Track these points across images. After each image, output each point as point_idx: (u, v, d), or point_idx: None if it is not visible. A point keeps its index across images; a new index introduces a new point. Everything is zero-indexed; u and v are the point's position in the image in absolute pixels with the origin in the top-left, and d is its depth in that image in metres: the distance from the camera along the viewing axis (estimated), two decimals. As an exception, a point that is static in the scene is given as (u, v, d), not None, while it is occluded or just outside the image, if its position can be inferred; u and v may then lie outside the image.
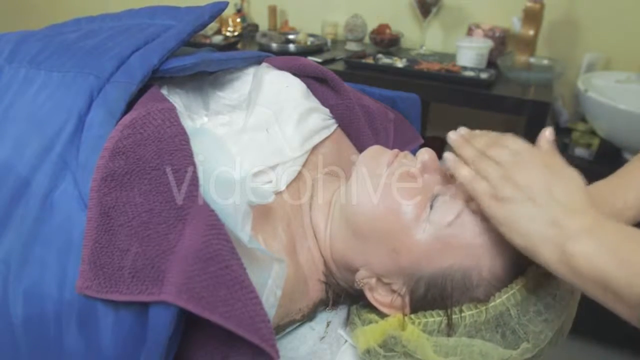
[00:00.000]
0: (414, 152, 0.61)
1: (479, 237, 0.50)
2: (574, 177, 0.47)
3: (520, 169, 0.47)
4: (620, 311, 0.41)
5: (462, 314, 0.51)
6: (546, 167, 0.47)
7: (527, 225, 0.45)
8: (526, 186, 0.45)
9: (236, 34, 1.88)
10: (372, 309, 0.58)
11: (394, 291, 0.56)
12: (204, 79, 0.68)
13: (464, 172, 0.49)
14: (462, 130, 0.54)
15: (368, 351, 0.55)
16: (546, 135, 0.52)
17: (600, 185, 0.59)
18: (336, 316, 0.63)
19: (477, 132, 0.54)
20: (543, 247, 0.44)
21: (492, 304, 0.50)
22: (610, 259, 0.40)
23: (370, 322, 0.56)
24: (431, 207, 0.53)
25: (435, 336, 0.51)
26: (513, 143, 0.49)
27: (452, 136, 0.53)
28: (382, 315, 0.56)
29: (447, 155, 0.51)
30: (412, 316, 0.54)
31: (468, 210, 0.51)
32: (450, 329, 0.51)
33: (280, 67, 0.72)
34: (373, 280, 0.56)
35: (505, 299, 0.50)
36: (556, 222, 0.44)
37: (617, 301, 0.40)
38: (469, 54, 1.51)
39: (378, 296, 0.57)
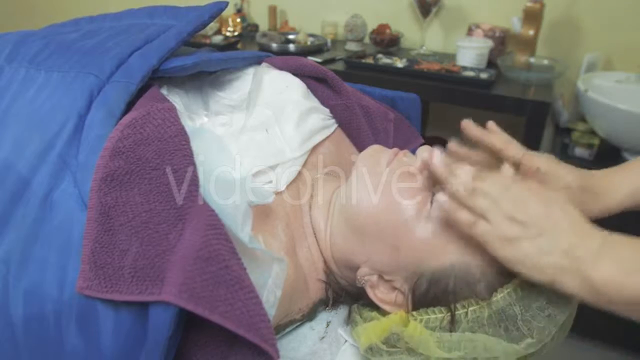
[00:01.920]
0: (414, 152, 0.61)
1: None
2: (561, 200, 0.48)
3: (516, 205, 0.47)
4: None
5: (465, 310, 0.51)
6: (538, 197, 0.48)
7: (544, 260, 0.45)
8: (531, 222, 0.46)
9: (236, 34, 1.89)
10: (374, 307, 0.58)
11: (395, 288, 0.56)
12: (204, 79, 0.68)
13: (464, 217, 0.48)
14: (437, 154, 0.52)
15: (370, 348, 0.55)
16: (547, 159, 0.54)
17: (598, 174, 0.60)
18: (336, 316, 0.63)
19: (460, 151, 0.54)
20: (565, 277, 0.44)
21: (494, 299, 0.50)
22: (635, 277, 0.41)
23: (372, 319, 0.56)
24: (431, 204, 0.53)
25: (437, 332, 0.51)
26: (498, 175, 0.50)
27: (436, 163, 0.51)
28: (384, 313, 0.56)
29: (439, 197, 0.49)
30: (414, 313, 0.54)
31: None
32: (452, 325, 0.51)
33: (280, 67, 0.72)
34: (374, 278, 0.56)
35: (507, 294, 0.50)
36: (569, 252, 0.44)
37: None
38: (469, 54, 1.51)
39: (379, 294, 0.57)
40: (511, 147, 0.58)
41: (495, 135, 0.59)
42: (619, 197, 0.57)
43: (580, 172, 0.58)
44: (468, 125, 0.60)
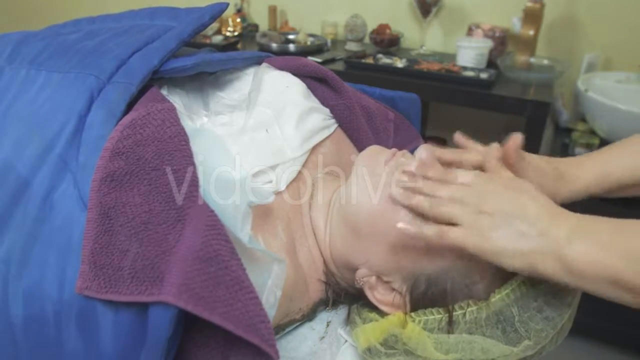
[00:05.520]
0: (413, 152, 0.61)
1: None
2: (530, 187, 0.48)
3: (483, 198, 0.47)
4: (633, 303, 0.42)
5: (462, 311, 0.51)
6: (504, 187, 0.48)
7: (519, 244, 0.45)
8: (499, 210, 0.46)
9: (236, 34, 1.89)
10: (373, 307, 0.58)
11: (394, 289, 0.56)
12: (204, 79, 0.68)
13: (430, 232, 0.48)
14: (402, 178, 0.53)
15: (369, 349, 0.55)
16: (514, 142, 0.54)
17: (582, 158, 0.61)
18: (336, 316, 0.63)
19: (412, 166, 0.53)
20: (542, 260, 0.44)
21: (492, 300, 0.50)
22: (609, 253, 0.41)
23: (371, 320, 0.57)
24: None
25: (435, 333, 0.52)
26: (458, 177, 0.50)
27: (394, 192, 0.52)
28: (383, 314, 0.56)
29: (401, 226, 0.49)
30: (413, 314, 0.54)
31: None
32: (450, 327, 0.51)
33: (280, 67, 0.72)
34: (373, 279, 0.57)
35: (505, 295, 0.50)
36: (544, 232, 0.44)
37: (628, 292, 0.41)
38: (469, 54, 1.51)
39: (378, 295, 0.57)
40: (489, 152, 0.56)
41: (469, 153, 0.57)
42: (585, 182, 0.58)
43: (551, 158, 0.60)
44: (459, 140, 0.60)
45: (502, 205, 0.46)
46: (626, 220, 0.43)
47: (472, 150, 0.58)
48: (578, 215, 0.45)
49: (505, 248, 0.45)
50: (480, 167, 0.55)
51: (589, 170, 0.59)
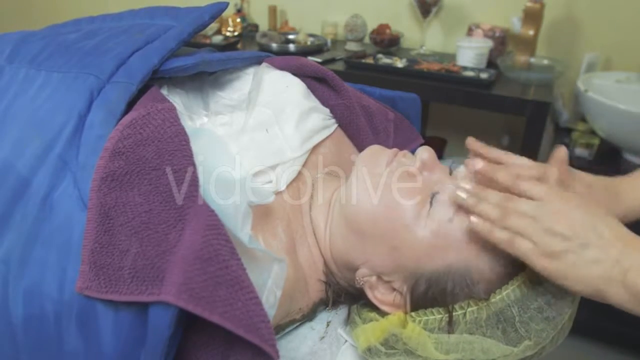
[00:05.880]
0: (413, 152, 0.61)
1: None
2: (602, 211, 0.46)
3: (556, 217, 0.45)
4: None
5: (463, 311, 0.51)
6: (577, 207, 0.46)
7: (592, 271, 0.44)
8: (573, 234, 0.44)
9: (236, 34, 1.88)
10: (373, 307, 0.58)
11: (394, 289, 0.56)
12: (204, 79, 0.68)
13: (504, 236, 0.46)
14: (466, 187, 0.50)
15: (369, 349, 0.55)
16: (562, 155, 0.51)
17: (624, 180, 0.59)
18: (336, 316, 0.63)
19: (491, 169, 0.50)
20: (611, 288, 0.43)
21: (493, 300, 0.50)
22: None
23: (371, 320, 0.57)
24: (431, 204, 0.53)
25: (436, 333, 0.52)
26: (530, 189, 0.47)
27: (462, 196, 0.50)
28: (383, 314, 0.56)
29: (474, 220, 0.48)
30: (413, 314, 0.54)
31: None
32: (451, 327, 0.51)
33: (280, 67, 0.72)
34: (373, 279, 0.57)
35: (505, 295, 0.50)
36: (617, 260, 0.43)
37: None
38: (469, 54, 1.51)
39: (378, 294, 0.57)
40: (522, 171, 0.52)
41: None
42: None
43: (599, 176, 0.57)
44: (473, 145, 0.56)
45: (576, 227, 0.44)
46: None
47: (524, 166, 0.53)
48: None
49: (569, 272, 0.44)
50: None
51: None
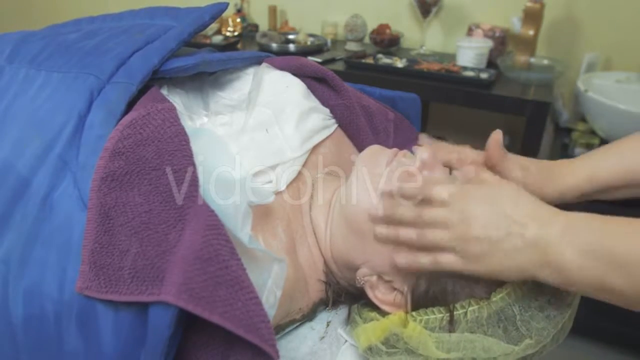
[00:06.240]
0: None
1: None
2: (510, 190, 0.47)
3: (466, 222, 0.46)
4: (626, 305, 0.42)
5: (464, 310, 0.51)
6: (483, 198, 0.47)
7: (514, 261, 0.45)
8: (485, 234, 0.45)
9: (236, 34, 1.88)
10: (373, 307, 0.58)
11: (395, 289, 0.56)
12: (204, 79, 0.68)
13: (426, 260, 0.49)
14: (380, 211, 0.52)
15: (370, 348, 0.55)
16: (496, 139, 0.53)
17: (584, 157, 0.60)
18: (336, 316, 0.64)
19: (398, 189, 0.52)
20: (540, 270, 0.44)
21: (493, 299, 0.50)
22: (595, 261, 0.41)
23: (372, 320, 0.57)
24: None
25: (437, 332, 0.52)
26: (438, 194, 0.49)
27: (382, 232, 0.52)
28: (383, 314, 0.56)
29: (399, 262, 0.50)
30: (414, 313, 0.54)
31: None
32: (452, 326, 0.51)
33: (280, 67, 0.72)
34: (374, 278, 0.57)
35: (506, 294, 0.50)
36: (534, 242, 0.44)
37: (618, 297, 0.41)
38: (469, 54, 1.51)
39: (379, 294, 0.57)
40: (463, 155, 0.55)
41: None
42: (575, 180, 0.57)
43: (535, 159, 0.59)
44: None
45: (488, 228, 0.45)
46: (615, 219, 0.43)
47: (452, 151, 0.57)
48: (565, 215, 0.44)
49: (501, 269, 0.46)
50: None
51: (579, 170, 0.58)
